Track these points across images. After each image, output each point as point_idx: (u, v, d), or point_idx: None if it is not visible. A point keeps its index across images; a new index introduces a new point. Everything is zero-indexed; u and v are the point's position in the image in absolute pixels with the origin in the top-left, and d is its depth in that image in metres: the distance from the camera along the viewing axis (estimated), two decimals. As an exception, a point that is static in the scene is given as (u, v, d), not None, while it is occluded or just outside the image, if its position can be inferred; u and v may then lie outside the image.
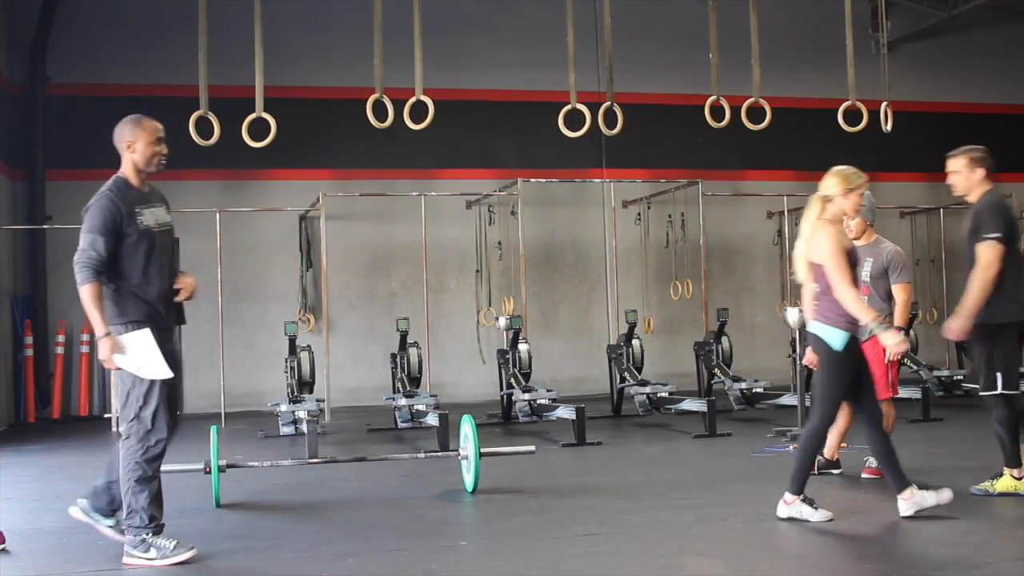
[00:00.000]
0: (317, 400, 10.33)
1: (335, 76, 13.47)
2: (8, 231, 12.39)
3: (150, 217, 5.14)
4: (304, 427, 8.77)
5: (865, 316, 5.36)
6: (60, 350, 12.66)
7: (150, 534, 4.95)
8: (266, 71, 8.63)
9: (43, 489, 7.47)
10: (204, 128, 8.42)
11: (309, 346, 11.14)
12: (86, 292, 4.91)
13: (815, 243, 5.53)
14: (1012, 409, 5.94)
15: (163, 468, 6.63)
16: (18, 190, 12.80)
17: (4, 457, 9.26)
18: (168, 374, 5.05)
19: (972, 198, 6.15)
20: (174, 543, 4.95)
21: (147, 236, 5.10)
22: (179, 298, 5.28)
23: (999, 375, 5.87)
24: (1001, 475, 6.07)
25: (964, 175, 6.18)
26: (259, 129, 8.48)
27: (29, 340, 12.36)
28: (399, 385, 11.19)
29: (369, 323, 13.72)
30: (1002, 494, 6.00)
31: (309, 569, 4.92)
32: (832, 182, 5.55)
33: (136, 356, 4.98)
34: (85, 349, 12.77)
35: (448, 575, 4.69)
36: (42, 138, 12.77)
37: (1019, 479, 6.02)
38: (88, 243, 4.98)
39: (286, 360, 11.01)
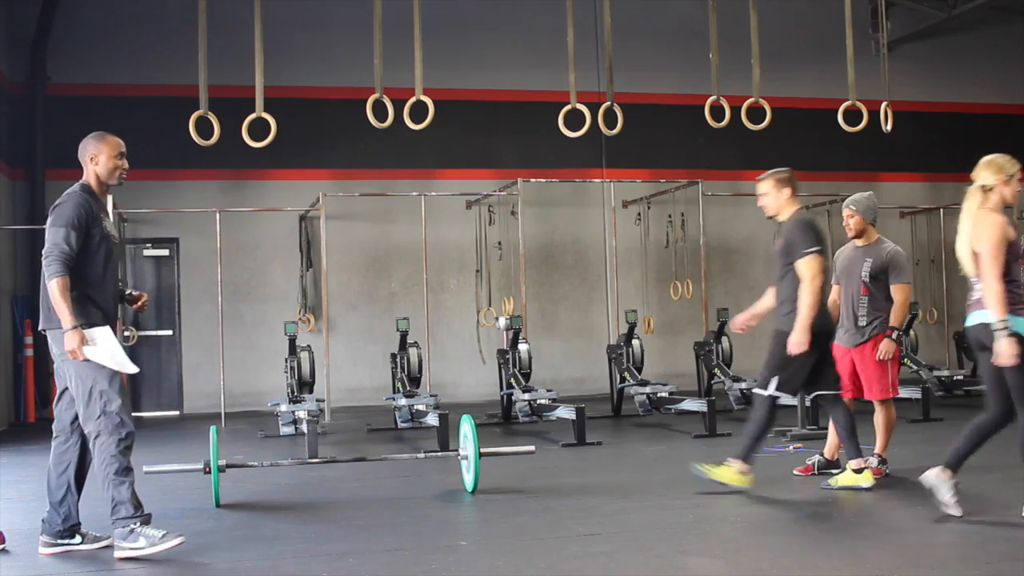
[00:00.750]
0: (317, 400, 10.33)
1: (335, 76, 13.47)
2: (8, 231, 12.39)
3: (109, 226, 5.30)
4: (304, 427, 8.77)
5: (999, 314, 5.17)
6: (60, 350, 12.65)
7: (138, 523, 5.01)
8: (266, 71, 8.63)
9: (43, 489, 7.40)
10: (204, 128, 8.42)
11: (309, 346, 11.14)
12: (56, 285, 4.98)
13: (979, 231, 5.30)
14: (771, 416, 6.32)
15: (163, 468, 6.69)
16: (18, 190, 12.81)
17: (4, 457, 9.26)
18: (134, 368, 5.17)
19: (782, 218, 6.47)
20: (162, 532, 5.01)
21: (106, 242, 5.24)
22: (138, 306, 5.56)
23: (774, 380, 6.28)
24: (843, 470, 6.39)
25: (773, 196, 6.48)
26: (259, 129, 8.48)
27: (29, 340, 12.35)
28: (399, 385, 11.19)
29: (369, 323, 13.72)
30: (844, 487, 6.29)
31: (309, 569, 4.92)
32: (988, 172, 5.42)
33: (104, 347, 5.05)
34: (85, 349, 12.75)
35: (448, 575, 4.69)
36: (42, 138, 12.78)
37: (859, 471, 6.30)
38: (61, 237, 5.05)
39: (286, 360, 11.01)
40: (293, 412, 10.14)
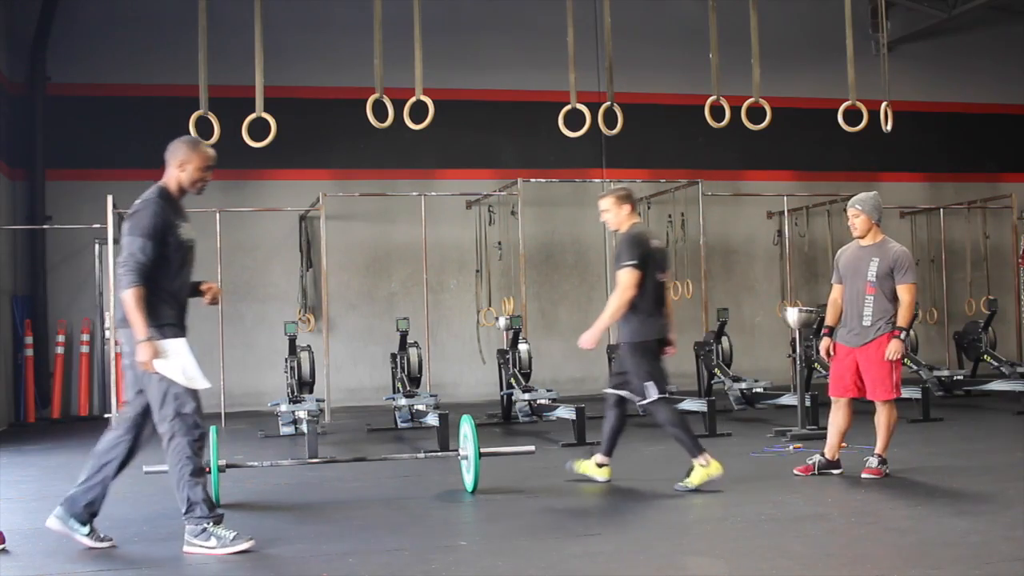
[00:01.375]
0: (317, 400, 10.33)
1: (335, 76, 13.47)
2: (8, 231, 12.39)
3: (186, 231, 5.31)
4: (304, 427, 8.77)
5: None
6: (60, 350, 12.66)
7: (211, 523, 5.11)
8: (266, 71, 8.64)
9: (43, 489, 7.46)
10: (204, 128, 8.41)
11: (309, 346, 11.14)
12: (131, 296, 5.04)
13: None
14: (672, 407, 6.68)
15: (162, 469, 6.67)
16: (18, 190, 12.80)
17: (4, 457, 9.26)
18: (205, 384, 5.22)
19: (623, 231, 6.82)
20: (233, 534, 5.11)
21: (182, 248, 5.27)
22: (208, 299, 5.53)
23: (650, 384, 6.54)
24: (692, 468, 6.49)
25: (614, 212, 6.87)
26: (259, 129, 8.48)
27: (29, 340, 12.36)
28: (399, 385, 11.19)
29: (369, 323, 13.72)
30: (700, 488, 6.42)
31: (309, 569, 4.92)
32: None
33: (176, 361, 5.11)
34: (85, 349, 12.77)
35: (448, 575, 4.69)
36: (42, 138, 12.76)
37: (706, 465, 6.45)
38: (138, 247, 5.09)
39: (286, 360, 11.01)
40: (293, 412, 10.15)
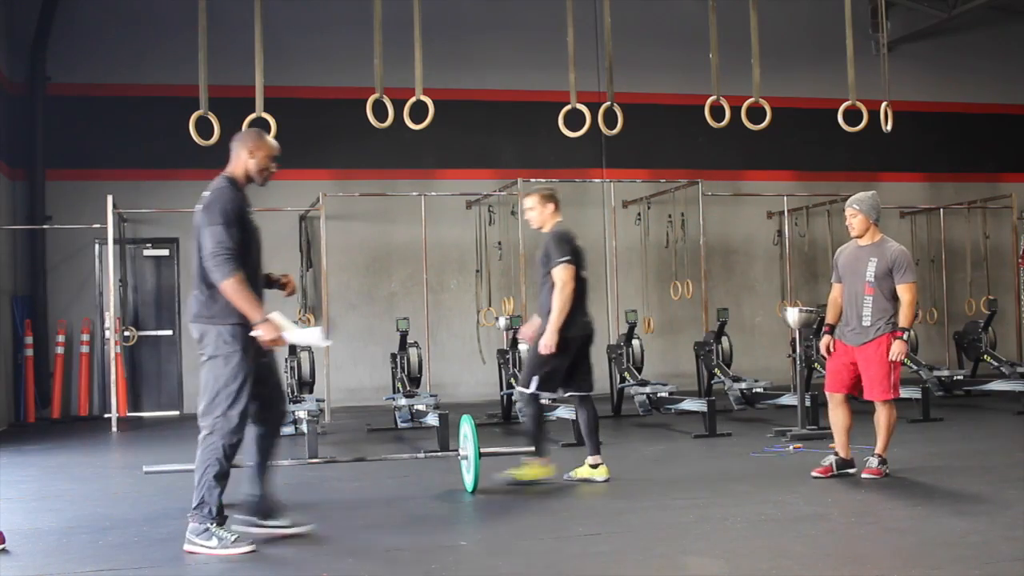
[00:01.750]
0: (317, 400, 10.33)
1: (335, 76, 13.47)
2: (8, 231, 12.39)
3: (254, 218, 5.37)
4: (304, 427, 8.76)
5: None
6: (60, 350, 12.66)
7: (214, 524, 5.13)
8: (266, 71, 8.63)
9: (43, 489, 7.47)
10: (204, 128, 8.42)
11: (309, 346, 11.14)
12: (233, 283, 5.07)
13: None
14: (539, 408, 6.86)
15: (163, 468, 6.71)
16: (18, 190, 12.80)
17: (4, 457, 9.25)
18: (329, 341, 5.48)
19: (546, 229, 7.01)
20: (235, 536, 5.13)
21: (254, 235, 5.34)
22: (287, 292, 5.69)
23: (536, 379, 6.73)
24: (526, 464, 6.80)
25: (539, 211, 7.03)
26: (259, 129, 8.46)
27: (29, 340, 12.36)
28: (399, 385, 11.19)
29: (369, 323, 13.72)
30: (536, 482, 6.74)
31: (309, 569, 4.92)
32: None
33: (297, 331, 5.33)
34: (85, 349, 12.78)
35: (448, 575, 4.69)
36: (42, 138, 12.76)
37: (542, 466, 6.78)
38: (223, 236, 5.10)
39: (286, 360, 11.01)
40: (293, 412, 10.13)
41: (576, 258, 6.84)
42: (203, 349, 5.24)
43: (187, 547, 5.14)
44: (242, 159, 5.38)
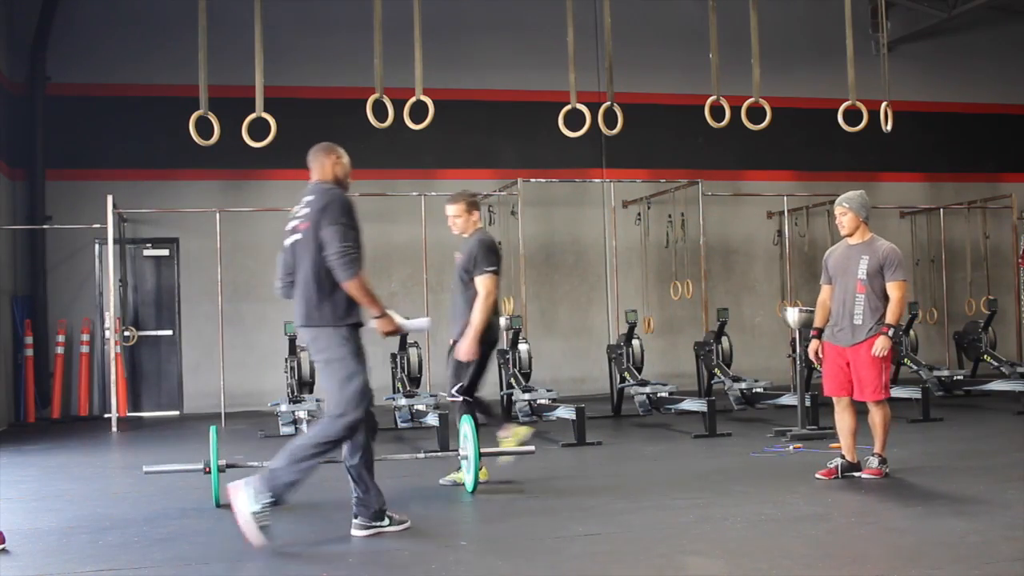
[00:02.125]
0: (317, 400, 10.31)
1: (335, 76, 13.47)
2: (8, 231, 12.39)
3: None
4: (304, 427, 8.77)
5: None
6: (60, 350, 12.67)
7: (268, 498, 5.12)
8: (266, 71, 8.63)
9: (43, 489, 7.47)
10: (204, 128, 8.42)
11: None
12: (358, 284, 5.22)
13: None
14: (473, 404, 6.95)
15: (163, 468, 6.70)
16: (18, 190, 12.80)
17: (4, 457, 9.26)
18: (429, 324, 6.00)
19: (467, 235, 7.01)
20: (266, 523, 5.14)
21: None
22: None
23: (462, 384, 6.88)
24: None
25: (464, 218, 7.01)
26: (259, 129, 8.48)
27: (29, 340, 12.36)
28: (399, 385, 11.19)
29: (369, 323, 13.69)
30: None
31: (309, 569, 4.92)
32: None
33: (409, 320, 5.61)
34: (85, 349, 12.78)
35: (448, 575, 4.69)
36: (42, 138, 12.76)
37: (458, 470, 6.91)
38: (352, 237, 5.25)
39: (286, 360, 11.01)
40: (293, 412, 10.14)
41: (499, 268, 6.95)
42: (318, 353, 5.35)
43: (230, 486, 5.16)
44: (328, 168, 5.47)
